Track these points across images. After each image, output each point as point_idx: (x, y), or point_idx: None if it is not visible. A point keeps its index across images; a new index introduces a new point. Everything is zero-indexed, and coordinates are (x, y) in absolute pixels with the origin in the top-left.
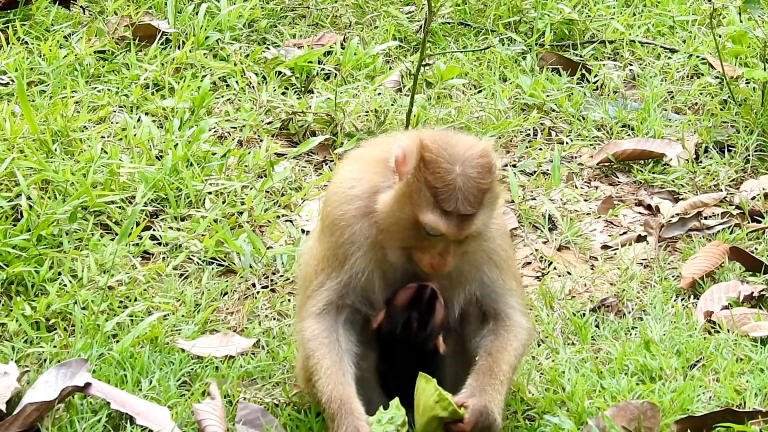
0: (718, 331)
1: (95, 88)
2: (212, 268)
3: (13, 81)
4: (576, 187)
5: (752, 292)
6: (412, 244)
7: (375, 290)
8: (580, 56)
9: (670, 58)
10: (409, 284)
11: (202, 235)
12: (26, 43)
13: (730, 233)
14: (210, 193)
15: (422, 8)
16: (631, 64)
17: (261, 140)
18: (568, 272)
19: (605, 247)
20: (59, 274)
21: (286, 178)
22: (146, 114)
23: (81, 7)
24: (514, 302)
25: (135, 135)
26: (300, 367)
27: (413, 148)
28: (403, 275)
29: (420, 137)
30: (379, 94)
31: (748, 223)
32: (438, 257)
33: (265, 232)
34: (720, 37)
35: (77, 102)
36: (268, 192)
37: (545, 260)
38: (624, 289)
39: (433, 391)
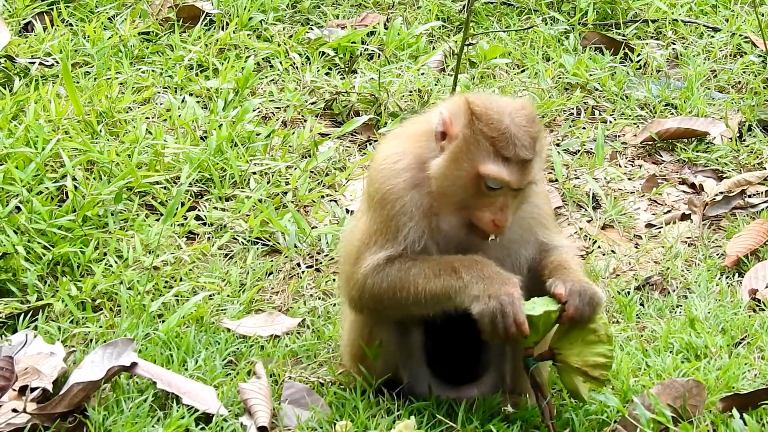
0: (763, 309)
1: (139, 69)
2: (257, 248)
3: (58, 62)
4: (620, 166)
5: None
6: (471, 204)
7: None
8: (623, 35)
9: (712, 36)
10: None
11: (247, 215)
12: (71, 24)
13: None
14: (254, 173)
15: None
16: (674, 43)
17: (305, 120)
18: (613, 251)
19: (649, 225)
20: (105, 254)
21: (330, 158)
22: (190, 95)
23: None
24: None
25: (179, 116)
26: (345, 344)
27: (459, 108)
28: (457, 246)
29: (464, 97)
30: (423, 74)
31: None
32: (499, 212)
33: (310, 212)
34: (763, 15)
35: (122, 83)
36: (312, 172)
37: (589, 239)
38: (668, 268)
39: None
